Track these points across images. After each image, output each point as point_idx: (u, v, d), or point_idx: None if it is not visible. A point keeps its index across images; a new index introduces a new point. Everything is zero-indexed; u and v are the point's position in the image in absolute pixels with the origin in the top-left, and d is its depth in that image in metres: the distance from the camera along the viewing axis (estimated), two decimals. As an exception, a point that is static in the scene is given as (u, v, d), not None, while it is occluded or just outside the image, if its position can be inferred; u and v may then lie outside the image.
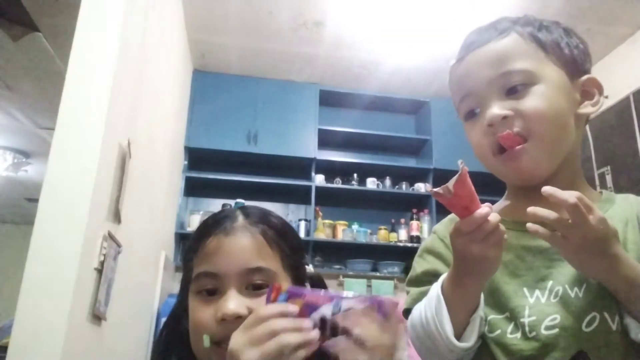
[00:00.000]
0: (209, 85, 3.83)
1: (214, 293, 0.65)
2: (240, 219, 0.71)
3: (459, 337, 0.66)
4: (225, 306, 0.63)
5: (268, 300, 0.57)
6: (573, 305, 0.68)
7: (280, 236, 0.71)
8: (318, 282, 0.79)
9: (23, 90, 3.64)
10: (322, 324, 0.55)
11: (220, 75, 3.86)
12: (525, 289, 0.71)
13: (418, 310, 0.72)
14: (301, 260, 0.75)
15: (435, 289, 0.69)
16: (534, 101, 0.71)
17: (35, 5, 2.55)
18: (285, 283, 0.68)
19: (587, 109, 0.75)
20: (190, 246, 0.71)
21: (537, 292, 0.70)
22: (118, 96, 1.77)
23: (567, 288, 0.69)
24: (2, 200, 6.17)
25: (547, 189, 0.59)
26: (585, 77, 0.76)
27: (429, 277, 0.77)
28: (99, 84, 1.68)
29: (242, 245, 0.67)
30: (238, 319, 0.61)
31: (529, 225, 0.61)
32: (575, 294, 0.69)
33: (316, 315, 0.55)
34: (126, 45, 1.84)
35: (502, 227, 0.61)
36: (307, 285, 0.75)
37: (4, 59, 3.16)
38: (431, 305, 0.68)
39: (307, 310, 0.56)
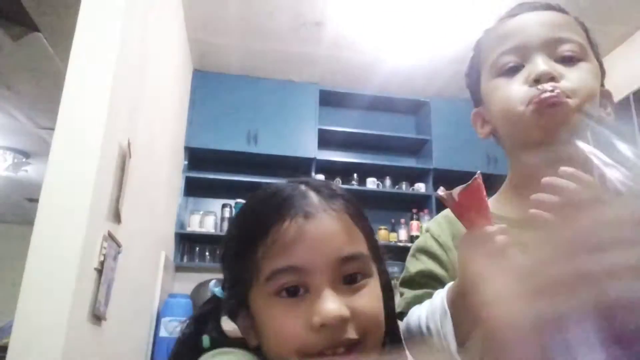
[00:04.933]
0: (209, 85, 3.83)
1: (296, 292, 0.53)
2: (314, 196, 0.57)
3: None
4: (324, 310, 0.51)
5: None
6: None
7: (362, 213, 0.60)
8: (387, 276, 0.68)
9: (23, 90, 3.63)
10: None
11: (220, 75, 3.86)
12: None
13: (416, 317, 0.69)
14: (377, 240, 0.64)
15: (440, 300, 0.65)
16: (581, 72, 0.71)
17: (35, 5, 2.55)
18: (375, 272, 0.58)
19: (603, 114, 0.77)
20: (250, 235, 0.57)
21: None
22: (118, 96, 1.77)
23: None
24: (2, 200, 6.17)
25: (546, 180, 0.58)
26: (604, 87, 0.79)
27: (424, 278, 0.75)
28: (99, 84, 1.68)
29: (331, 230, 0.54)
30: (340, 322, 0.51)
31: (532, 210, 0.59)
32: None
33: None
34: (126, 45, 1.84)
35: (512, 251, 0.56)
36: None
37: (4, 59, 3.16)
38: (435, 318, 0.65)
39: None
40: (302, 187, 0.58)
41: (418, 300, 0.72)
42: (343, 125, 4.00)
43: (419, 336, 0.67)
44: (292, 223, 0.54)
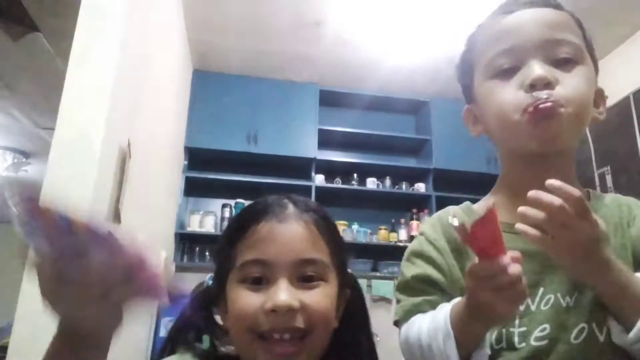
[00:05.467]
0: (209, 85, 3.83)
1: (260, 282, 0.62)
2: (291, 207, 0.68)
3: None
4: (276, 297, 0.59)
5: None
6: (563, 316, 0.67)
7: (330, 229, 0.69)
8: (354, 283, 0.75)
9: (23, 90, 3.63)
10: None
11: (220, 75, 3.86)
12: None
13: (416, 331, 0.67)
14: (347, 258, 0.72)
15: (444, 320, 0.63)
16: (577, 79, 0.69)
17: (35, 5, 2.55)
18: (333, 277, 0.66)
19: (595, 114, 0.75)
20: (232, 232, 0.67)
21: (527, 299, 0.68)
22: (118, 96, 1.77)
23: (559, 297, 0.68)
24: (2, 200, 6.16)
25: (532, 194, 0.57)
26: (598, 87, 0.77)
27: (420, 283, 0.73)
28: (99, 84, 1.68)
29: (297, 234, 0.64)
30: (289, 311, 0.59)
31: (518, 225, 0.59)
32: (566, 304, 0.67)
33: None
34: (126, 45, 1.84)
35: (524, 282, 0.54)
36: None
37: (4, 59, 3.16)
38: (437, 338, 0.63)
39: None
40: (285, 200, 0.69)
41: (417, 309, 0.71)
42: (343, 125, 3.99)
43: (419, 351, 0.66)
44: (266, 224, 0.64)
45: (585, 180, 3.55)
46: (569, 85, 0.68)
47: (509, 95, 0.69)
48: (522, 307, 0.68)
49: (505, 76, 0.71)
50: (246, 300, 0.61)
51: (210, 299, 0.69)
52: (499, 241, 0.54)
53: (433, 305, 0.70)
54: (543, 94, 0.66)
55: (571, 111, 0.67)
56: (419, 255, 0.76)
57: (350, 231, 3.74)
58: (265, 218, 0.65)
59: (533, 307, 0.68)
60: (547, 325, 0.66)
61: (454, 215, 0.56)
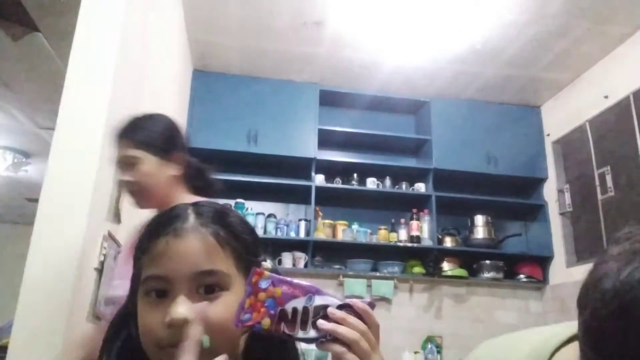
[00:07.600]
0: (209, 85, 3.83)
1: (163, 295, 0.64)
2: (192, 218, 0.68)
3: None
4: (173, 311, 0.62)
5: (249, 282, 0.61)
6: None
7: (234, 236, 0.69)
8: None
9: (23, 90, 3.64)
10: (294, 314, 0.59)
11: (220, 75, 3.86)
12: None
13: None
14: (256, 259, 0.72)
15: None
16: None
17: (35, 5, 2.55)
18: (239, 283, 0.67)
19: None
20: (139, 244, 0.70)
21: None
22: (118, 96, 1.77)
23: None
24: (2, 200, 6.17)
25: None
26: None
27: None
28: (99, 84, 1.68)
29: (192, 248, 0.65)
30: (186, 324, 0.61)
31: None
32: None
33: (289, 306, 0.59)
34: (126, 45, 1.84)
35: None
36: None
37: (4, 59, 3.16)
38: None
39: (284, 298, 0.60)
40: (189, 210, 0.70)
41: None
42: (343, 125, 3.99)
43: None
44: (163, 239, 0.66)
45: (585, 180, 3.54)
46: None
47: None
48: None
49: None
50: (149, 315, 0.64)
51: (128, 314, 0.70)
52: None
53: None
54: None
55: None
56: None
57: (350, 231, 3.74)
58: (164, 233, 0.66)
59: None
60: None
61: None
